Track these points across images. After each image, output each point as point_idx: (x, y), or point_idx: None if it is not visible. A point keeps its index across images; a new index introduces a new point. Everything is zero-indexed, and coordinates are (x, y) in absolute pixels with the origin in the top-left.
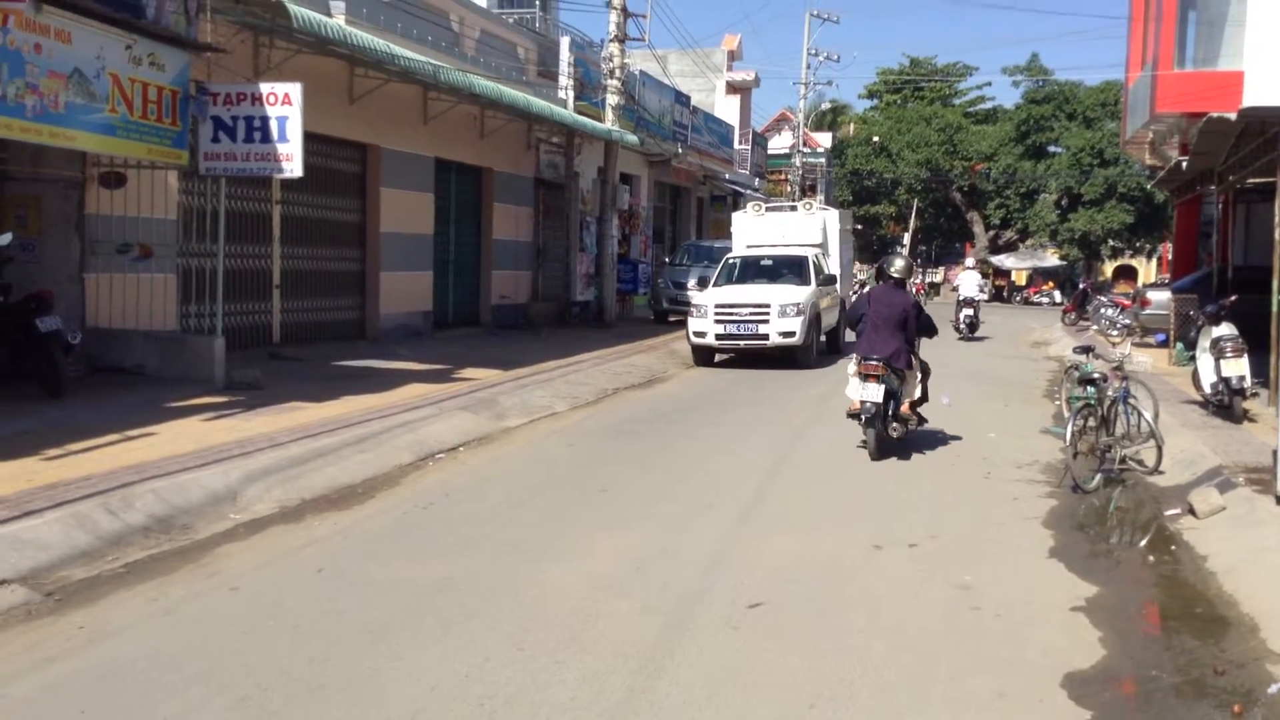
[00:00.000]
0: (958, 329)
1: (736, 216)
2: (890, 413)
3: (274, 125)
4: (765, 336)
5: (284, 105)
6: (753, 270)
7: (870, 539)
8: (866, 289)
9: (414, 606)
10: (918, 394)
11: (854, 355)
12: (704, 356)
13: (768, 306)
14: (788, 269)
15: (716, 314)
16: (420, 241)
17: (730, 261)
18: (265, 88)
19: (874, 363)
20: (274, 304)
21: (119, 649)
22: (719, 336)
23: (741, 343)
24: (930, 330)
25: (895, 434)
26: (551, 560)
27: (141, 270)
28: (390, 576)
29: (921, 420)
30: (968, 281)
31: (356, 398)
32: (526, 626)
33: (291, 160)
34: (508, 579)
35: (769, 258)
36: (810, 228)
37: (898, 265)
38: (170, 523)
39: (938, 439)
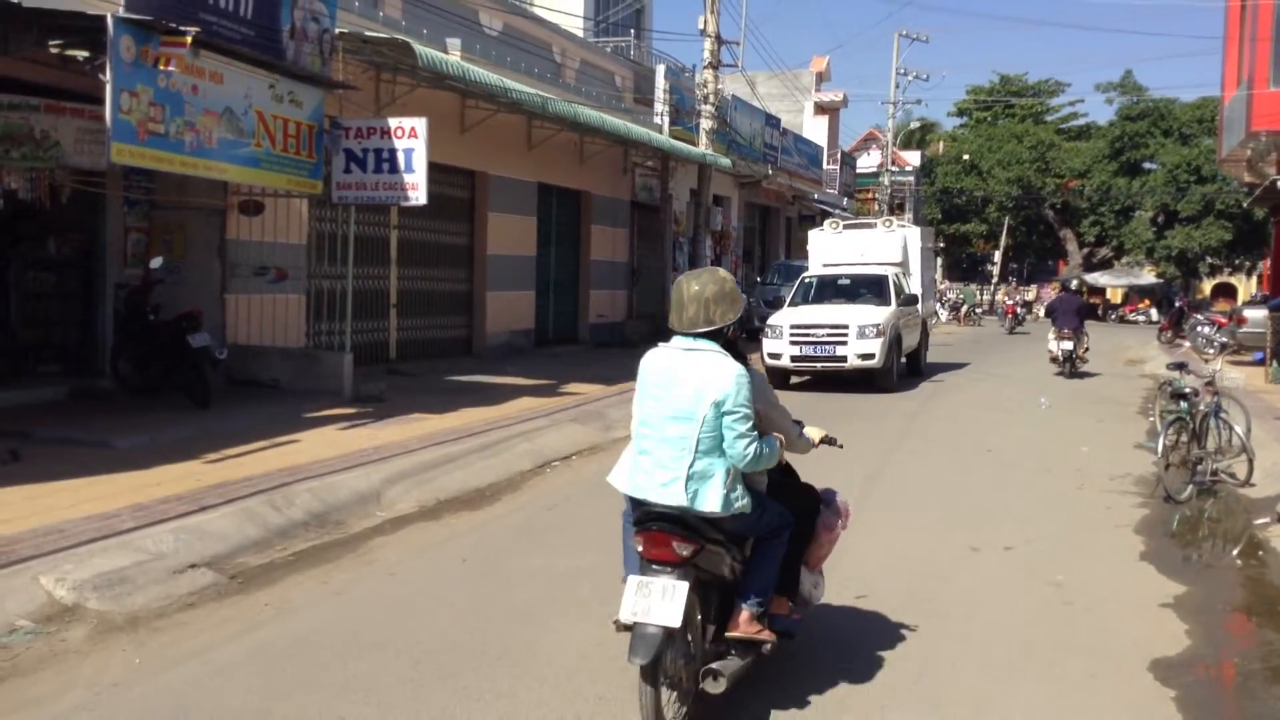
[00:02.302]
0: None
1: (813, 234)
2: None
3: (401, 157)
4: (843, 359)
5: (410, 138)
6: (830, 290)
7: (967, 542)
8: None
9: (553, 592)
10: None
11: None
12: (778, 379)
13: (846, 327)
14: (866, 288)
15: (792, 335)
16: (523, 263)
17: (806, 280)
18: (393, 122)
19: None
20: (391, 322)
21: (302, 622)
22: (794, 358)
23: (818, 365)
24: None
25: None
26: None
27: (276, 291)
28: (527, 567)
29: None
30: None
31: (473, 410)
32: None
33: (417, 189)
34: None
35: (847, 277)
36: (890, 246)
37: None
38: (325, 518)
39: (1032, 452)
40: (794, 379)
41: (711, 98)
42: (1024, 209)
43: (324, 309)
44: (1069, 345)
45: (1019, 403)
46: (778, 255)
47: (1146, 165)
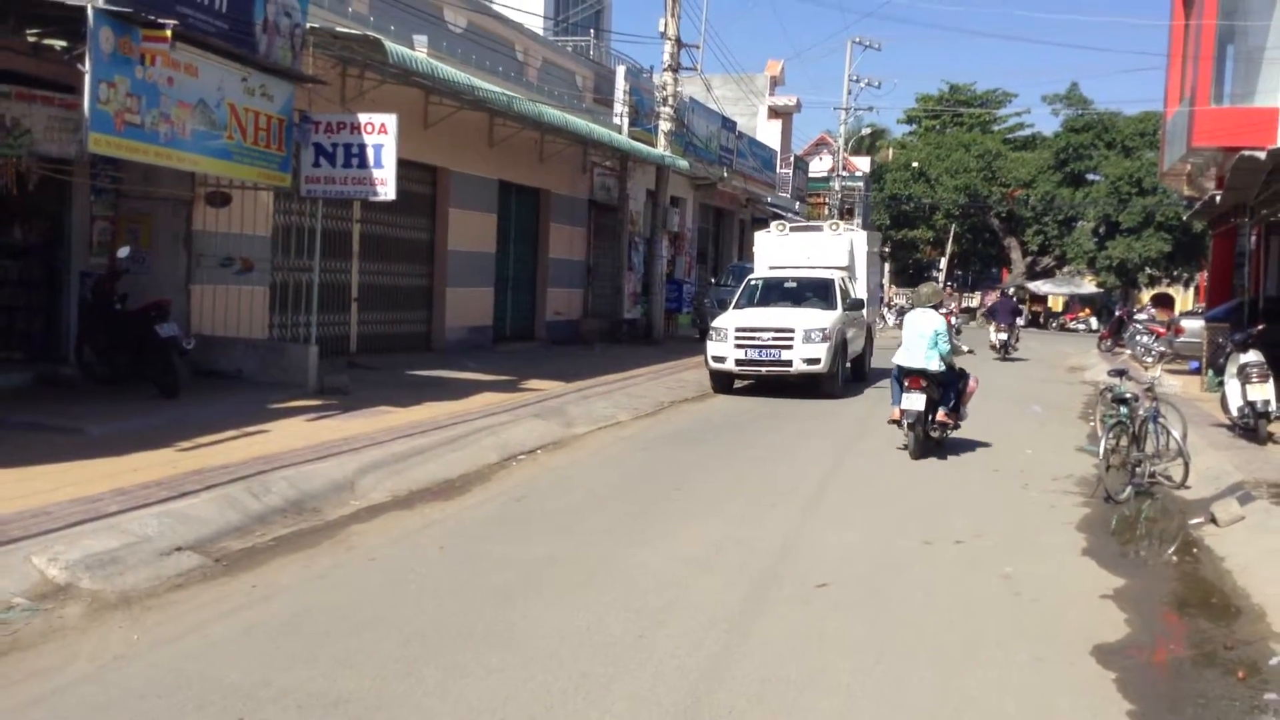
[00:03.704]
0: (994, 348)
1: (759, 236)
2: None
3: (370, 152)
4: (788, 363)
5: (380, 134)
6: (776, 293)
7: (920, 536)
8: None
9: (530, 578)
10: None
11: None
12: (723, 383)
13: (791, 331)
14: (812, 292)
15: (737, 338)
16: (483, 259)
17: (752, 283)
18: (363, 117)
19: (1003, 325)
20: (352, 316)
21: (290, 603)
22: (739, 362)
23: (763, 369)
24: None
25: (935, 435)
26: (639, 545)
27: (241, 282)
28: (503, 554)
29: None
30: (914, 332)
31: (437, 404)
32: (629, 594)
33: (385, 184)
34: (605, 558)
35: (793, 280)
36: (837, 249)
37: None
38: (302, 505)
39: (979, 454)
40: (737, 383)
41: (670, 100)
42: (970, 217)
43: (287, 301)
44: (1004, 336)
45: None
46: (731, 257)
47: (1090, 176)
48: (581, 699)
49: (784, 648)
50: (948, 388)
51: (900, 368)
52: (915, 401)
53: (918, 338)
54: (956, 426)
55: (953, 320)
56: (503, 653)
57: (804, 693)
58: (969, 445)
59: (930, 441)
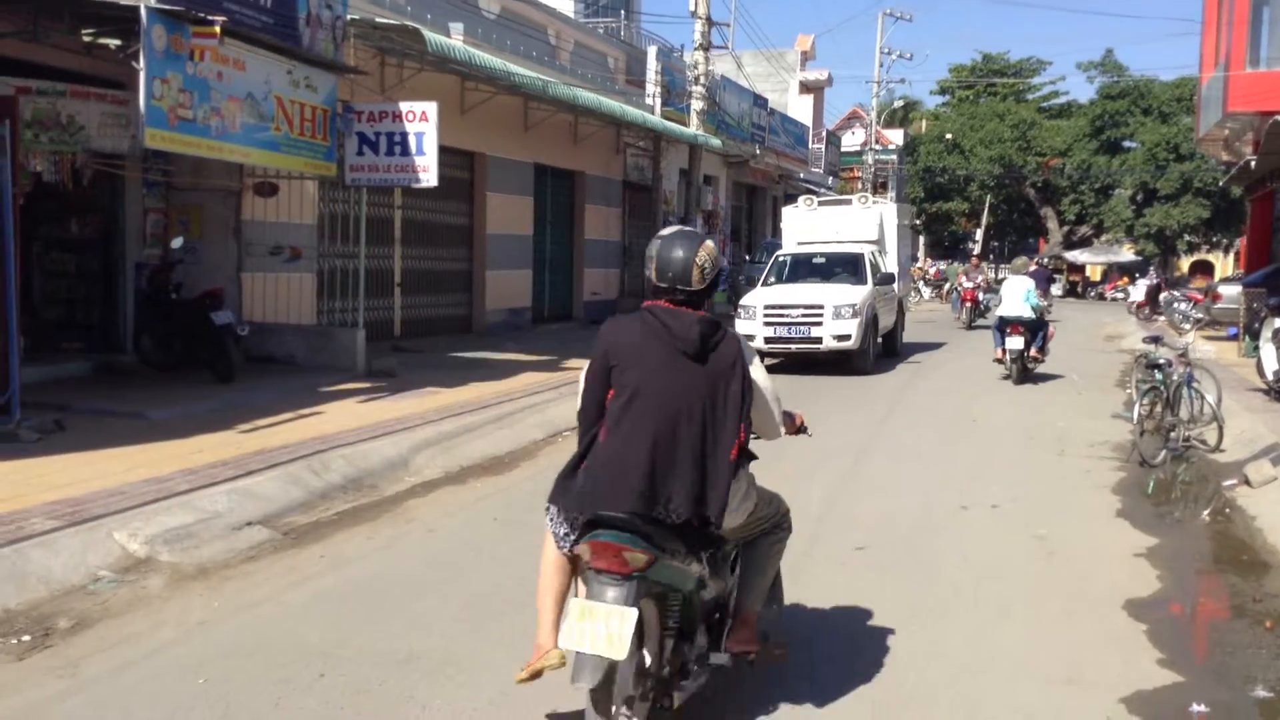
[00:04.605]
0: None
1: (787, 211)
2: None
3: (412, 140)
4: (818, 340)
5: (421, 122)
6: (804, 269)
7: (956, 501)
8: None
9: None
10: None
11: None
12: None
13: (821, 308)
14: (842, 267)
15: (766, 316)
16: (521, 242)
17: (780, 259)
18: (404, 106)
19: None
20: (395, 300)
21: (358, 571)
22: (768, 340)
23: (793, 346)
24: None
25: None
26: None
27: (289, 270)
28: None
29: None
30: (1011, 292)
31: (482, 384)
32: None
33: (428, 171)
34: None
35: (822, 255)
36: (866, 223)
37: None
38: (360, 482)
39: (1014, 423)
40: (767, 360)
41: (702, 79)
42: (1005, 187)
43: (335, 287)
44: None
45: (1002, 379)
46: (765, 234)
47: (1126, 144)
48: None
49: (825, 604)
50: (1036, 332)
51: (1002, 318)
52: (1016, 343)
53: (1013, 295)
54: (1042, 360)
55: (979, 296)
56: None
57: (845, 645)
58: (1003, 416)
59: (1026, 371)
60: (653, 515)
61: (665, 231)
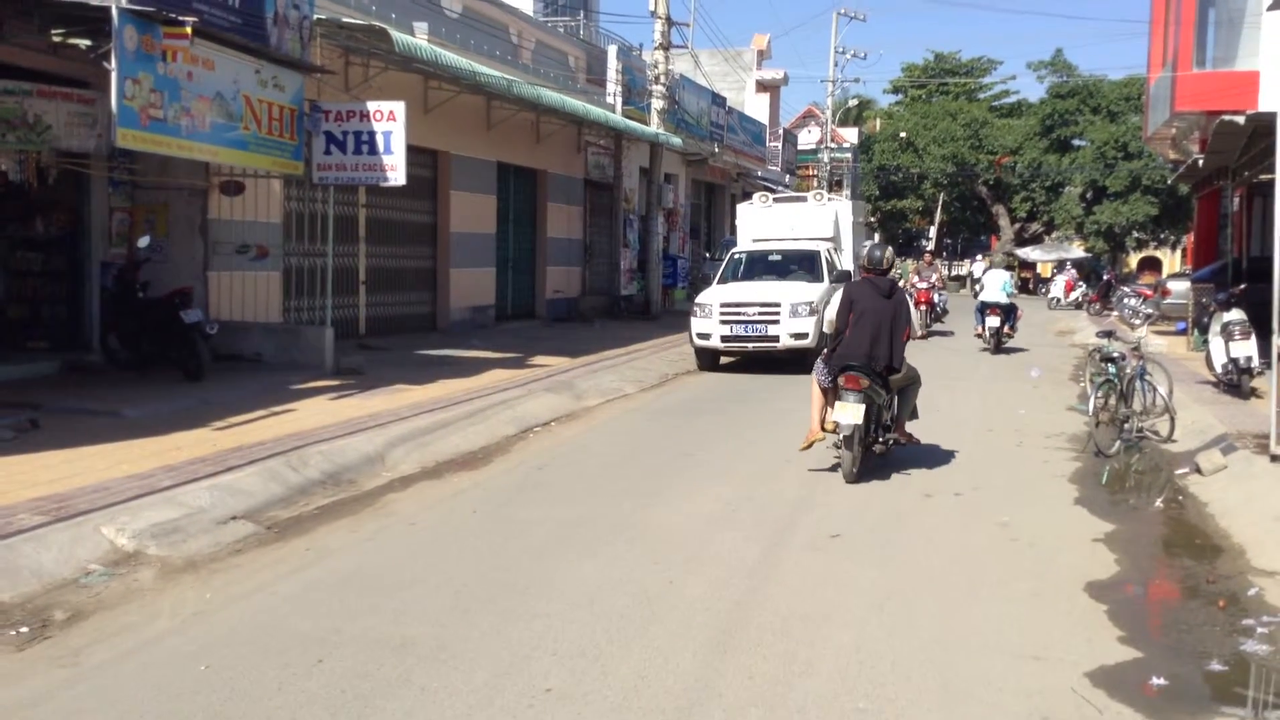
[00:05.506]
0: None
1: (741, 209)
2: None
3: (380, 139)
4: (775, 338)
5: (389, 121)
6: (760, 266)
7: (921, 490)
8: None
9: (560, 536)
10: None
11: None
12: (708, 360)
13: (778, 306)
14: (798, 265)
15: (722, 314)
16: (484, 240)
17: (736, 257)
18: (372, 105)
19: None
20: (360, 299)
21: (344, 562)
22: (724, 338)
23: (749, 345)
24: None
25: (1005, 342)
26: (660, 505)
27: (256, 268)
28: (531, 517)
29: (1012, 336)
30: (992, 282)
31: (450, 381)
32: (655, 549)
33: (395, 170)
34: (627, 518)
35: (778, 253)
36: (821, 220)
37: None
38: (338, 478)
39: (976, 415)
40: (723, 359)
41: (663, 78)
42: (958, 185)
43: (301, 285)
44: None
45: (960, 372)
46: (724, 232)
47: (1076, 142)
48: (623, 636)
49: (801, 591)
50: (1009, 314)
51: (984, 303)
52: (994, 321)
53: (994, 285)
54: (1012, 336)
55: (935, 297)
56: (546, 601)
57: (822, 626)
58: (963, 409)
59: (1001, 347)
60: (869, 366)
61: (869, 242)
